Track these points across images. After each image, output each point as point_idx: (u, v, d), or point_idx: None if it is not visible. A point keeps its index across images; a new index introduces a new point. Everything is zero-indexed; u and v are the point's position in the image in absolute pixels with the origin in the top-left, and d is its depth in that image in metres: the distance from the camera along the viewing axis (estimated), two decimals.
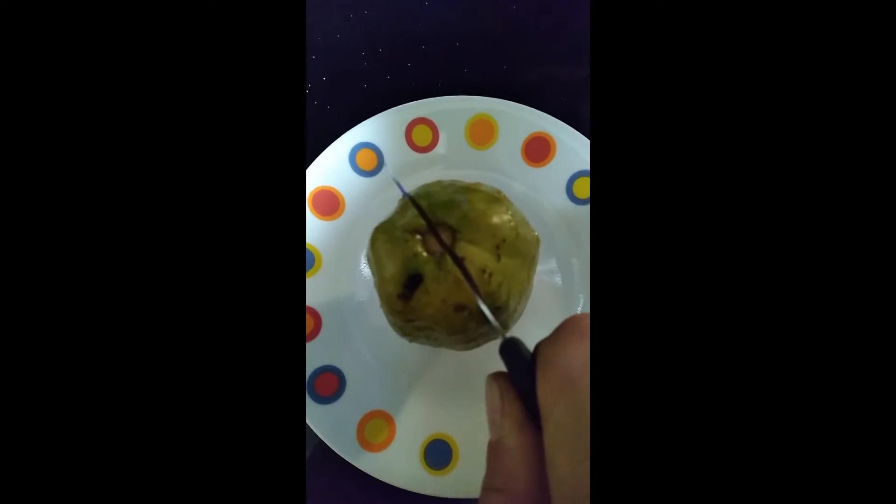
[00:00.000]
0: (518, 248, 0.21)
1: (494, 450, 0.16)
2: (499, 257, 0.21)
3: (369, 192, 0.30)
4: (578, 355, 0.14)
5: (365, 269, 0.30)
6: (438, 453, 0.28)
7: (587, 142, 0.30)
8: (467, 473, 0.28)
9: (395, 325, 0.23)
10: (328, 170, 0.30)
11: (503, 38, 0.33)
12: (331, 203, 0.30)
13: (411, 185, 0.30)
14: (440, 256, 0.21)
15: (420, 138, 0.30)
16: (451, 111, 0.30)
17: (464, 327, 0.21)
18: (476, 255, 0.20)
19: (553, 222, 0.31)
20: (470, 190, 0.22)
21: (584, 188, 0.30)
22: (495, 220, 0.21)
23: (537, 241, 0.23)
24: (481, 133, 0.30)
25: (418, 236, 0.21)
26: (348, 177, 0.30)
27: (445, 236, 0.21)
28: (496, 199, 0.22)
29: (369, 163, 0.30)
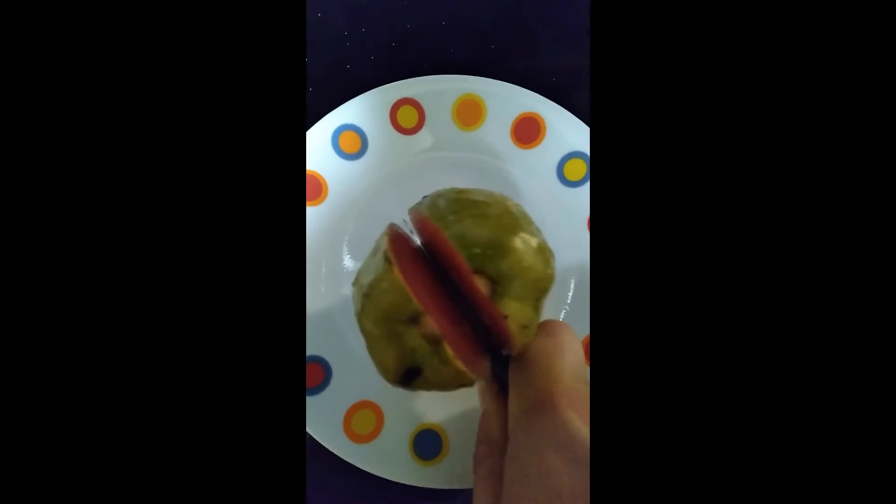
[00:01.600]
0: (549, 290, 0.20)
1: (482, 416, 0.22)
2: (538, 308, 0.19)
3: (353, 176, 0.29)
4: (537, 345, 0.20)
5: (349, 257, 0.29)
6: (428, 444, 0.27)
7: (578, 122, 0.29)
8: (457, 463, 0.27)
9: None
10: (310, 153, 0.29)
11: (491, 17, 0.32)
12: (313, 188, 0.29)
13: (398, 170, 0.29)
14: (437, 343, 0.18)
15: (405, 119, 0.29)
16: (438, 91, 0.29)
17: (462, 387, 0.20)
18: (519, 312, 0.19)
19: (543, 205, 0.30)
20: (506, 228, 0.19)
21: (574, 170, 0.30)
22: (540, 273, 0.19)
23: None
24: (469, 114, 0.29)
25: (412, 325, 0.18)
26: (331, 160, 0.29)
27: (481, 283, 0.19)
28: (541, 247, 0.20)
29: (353, 145, 0.29)
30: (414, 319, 0.18)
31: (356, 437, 0.27)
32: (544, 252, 0.20)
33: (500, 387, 0.21)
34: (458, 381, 0.19)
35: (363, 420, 0.27)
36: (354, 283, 0.21)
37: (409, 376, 0.19)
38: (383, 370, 0.19)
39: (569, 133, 0.29)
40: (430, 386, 0.19)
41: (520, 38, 0.32)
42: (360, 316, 0.19)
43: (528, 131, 0.29)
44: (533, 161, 0.30)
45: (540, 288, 0.19)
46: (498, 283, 0.19)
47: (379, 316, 0.19)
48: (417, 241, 0.23)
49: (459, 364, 0.18)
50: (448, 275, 0.22)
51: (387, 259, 0.18)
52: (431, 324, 0.18)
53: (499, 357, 0.21)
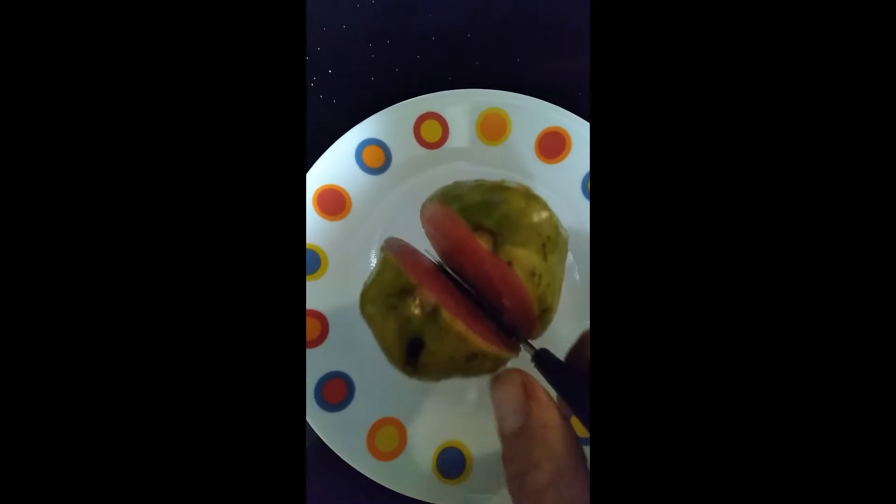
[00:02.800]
0: (558, 245, 0.20)
1: (520, 435, 0.17)
2: (545, 256, 0.19)
3: (377, 191, 0.29)
4: None
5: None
6: (452, 461, 0.27)
7: None
8: (482, 481, 0.27)
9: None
10: (333, 168, 0.28)
11: (517, 29, 0.32)
12: (337, 202, 0.29)
13: (421, 183, 0.29)
14: (434, 310, 0.19)
15: (429, 134, 0.29)
16: (462, 105, 0.29)
17: (480, 370, 0.20)
18: (524, 258, 0.19)
19: (568, 220, 0.29)
20: (500, 188, 0.20)
21: None
22: (536, 217, 0.19)
23: (567, 236, 0.22)
24: (493, 128, 0.29)
25: (408, 297, 0.19)
26: (355, 175, 0.29)
27: (484, 240, 0.19)
28: (531, 195, 0.20)
29: (376, 160, 0.29)
30: (408, 292, 0.19)
31: (379, 454, 0.27)
32: (538, 199, 0.20)
33: (555, 397, 0.19)
34: (466, 351, 0.19)
35: (387, 437, 0.27)
36: (364, 288, 0.21)
37: (413, 350, 0.19)
38: (388, 350, 0.20)
39: None
40: (438, 362, 0.19)
41: (546, 52, 0.31)
42: (362, 305, 0.20)
43: (553, 146, 0.29)
44: (558, 176, 0.29)
45: (542, 234, 0.19)
46: (497, 233, 0.19)
47: (375, 296, 0.19)
48: (435, 258, 0.23)
49: (460, 325, 0.18)
50: (468, 279, 0.22)
51: (384, 252, 0.20)
52: (427, 294, 0.19)
53: (549, 364, 0.20)
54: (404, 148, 0.29)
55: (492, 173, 0.29)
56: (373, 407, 0.28)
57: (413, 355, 0.19)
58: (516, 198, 0.20)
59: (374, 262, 0.29)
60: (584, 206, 0.29)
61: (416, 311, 0.19)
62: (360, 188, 0.29)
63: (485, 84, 0.29)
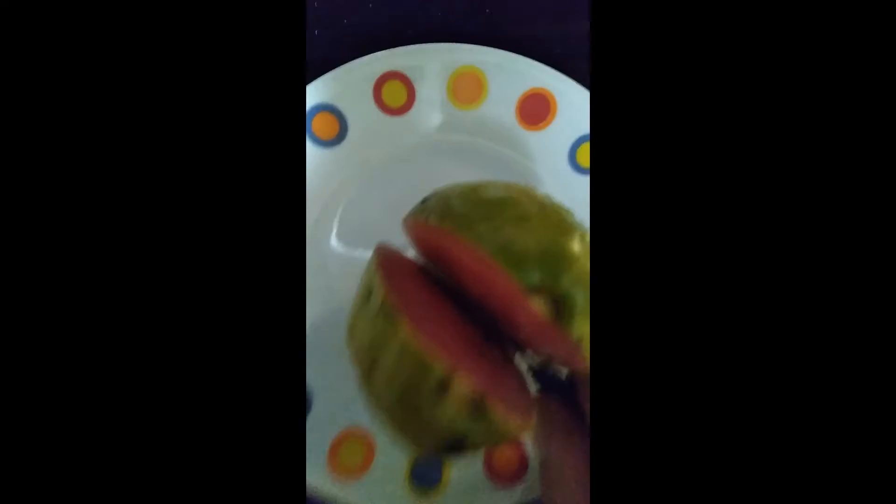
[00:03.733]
0: None
1: (544, 466, 0.18)
2: None
3: (332, 166, 0.25)
4: None
5: (332, 267, 0.25)
6: (427, 473, 0.24)
7: None
8: (459, 493, 0.24)
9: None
10: None
11: None
12: None
13: (384, 158, 0.25)
14: (479, 404, 0.14)
15: (392, 97, 0.25)
16: (430, 63, 0.25)
17: None
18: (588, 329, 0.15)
19: (555, 195, 0.26)
20: (553, 227, 0.15)
21: (589, 155, 0.26)
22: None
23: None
24: (468, 90, 0.25)
25: (442, 394, 0.14)
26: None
27: (537, 304, 0.14)
28: (579, 228, 0.16)
29: (329, 130, 0.25)
30: (443, 386, 0.14)
31: (345, 471, 0.24)
32: (585, 234, 0.16)
33: (568, 427, 0.17)
34: (512, 436, 0.15)
35: (352, 451, 0.24)
36: (349, 341, 0.16)
37: (452, 451, 0.15)
38: (417, 451, 0.15)
39: (583, 111, 0.25)
40: (477, 450, 0.15)
41: (522, 3, 0.27)
42: (369, 394, 0.15)
43: (536, 110, 0.25)
44: (542, 144, 0.26)
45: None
46: (563, 302, 0.14)
47: (395, 397, 0.14)
48: (412, 255, 0.19)
49: (513, 421, 0.14)
50: (458, 288, 0.18)
51: (389, 312, 0.14)
52: (466, 381, 0.14)
53: (548, 376, 0.18)
54: (362, 115, 0.25)
55: (467, 143, 0.26)
56: (335, 417, 0.24)
57: (452, 453, 0.15)
58: (586, 254, 0.15)
59: (335, 244, 0.25)
60: (573, 178, 0.26)
61: (458, 412, 0.14)
62: (312, 164, 0.25)
63: (452, 39, 0.25)
